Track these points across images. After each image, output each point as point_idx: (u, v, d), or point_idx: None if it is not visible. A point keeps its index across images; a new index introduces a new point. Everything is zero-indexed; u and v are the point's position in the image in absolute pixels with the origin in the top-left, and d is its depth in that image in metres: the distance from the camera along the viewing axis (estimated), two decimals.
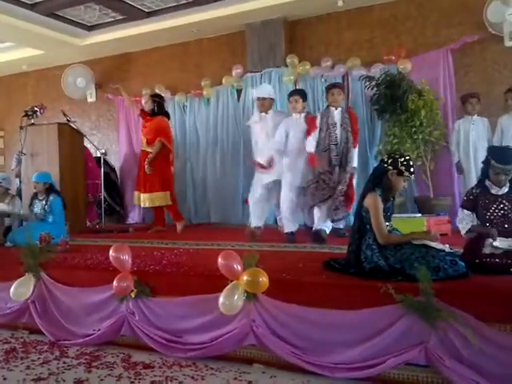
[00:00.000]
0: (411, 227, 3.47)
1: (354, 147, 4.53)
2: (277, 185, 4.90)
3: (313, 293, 2.92)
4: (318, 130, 4.55)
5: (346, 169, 4.43)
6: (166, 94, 6.93)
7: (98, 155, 6.60)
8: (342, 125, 4.52)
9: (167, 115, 5.99)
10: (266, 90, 5.08)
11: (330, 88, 4.67)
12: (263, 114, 5.00)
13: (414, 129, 4.85)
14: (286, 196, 4.66)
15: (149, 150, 5.77)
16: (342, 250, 3.65)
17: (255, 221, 4.89)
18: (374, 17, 5.90)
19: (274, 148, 4.74)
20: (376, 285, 2.72)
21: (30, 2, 6.00)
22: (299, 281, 3.02)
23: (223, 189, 6.42)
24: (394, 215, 3.22)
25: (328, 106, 4.63)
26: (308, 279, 3.03)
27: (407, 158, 3.03)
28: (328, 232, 4.45)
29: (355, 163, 4.53)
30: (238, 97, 6.49)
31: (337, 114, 4.54)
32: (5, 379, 2.96)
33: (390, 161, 3.01)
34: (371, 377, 2.63)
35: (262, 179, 4.93)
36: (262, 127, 5.01)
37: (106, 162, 6.63)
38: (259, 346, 2.96)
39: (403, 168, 2.97)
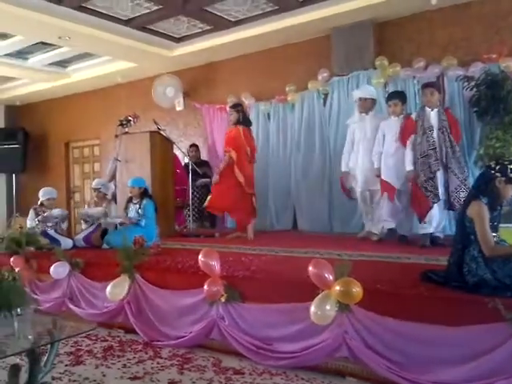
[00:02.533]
0: None
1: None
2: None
3: (410, 306, 2.79)
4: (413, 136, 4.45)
5: (459, 176, 4.25)
6: (250, 101, 7.01)
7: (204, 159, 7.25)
8: (439, 128, 4.32)
9: (247, 123, 5.85)
10: (367, 90, 5.12)
11: (423, 88, 4.57)
12: (363, 114, 5.02)
13: None
14: (385, 200, 4.71)
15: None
16: (439, 262, 3.43)
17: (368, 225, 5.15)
18: (472, 13, 5.52)
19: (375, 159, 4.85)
20: (481, 300, 2.56)
21: (124, 18, 6.33)
22: (395, 293, 2.89)
23: (309, 195, 6.34)
24: (500, 225, 2.97)
25: (423, 107, 4.49)
26: (405, 291, 2.88)
27: None
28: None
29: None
30: (324, 101, 6.39)
31: (433, 115, 4.37)
32: (104, 376, 3.11)
33: (498, 167, 2.82)
34: None
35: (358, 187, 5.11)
36: (360, 128, 5.03)
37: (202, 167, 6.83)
38: (352, 359, 2.86)
39: None
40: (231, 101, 7.22)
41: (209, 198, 5.74)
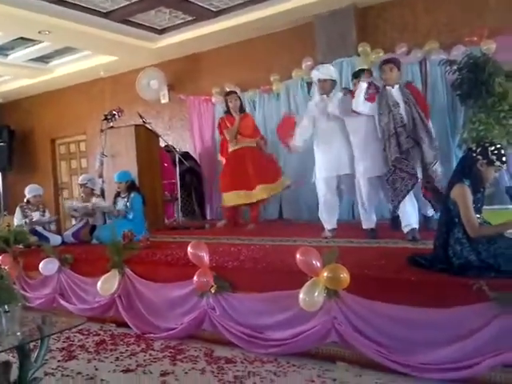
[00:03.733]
0: (503, 220, 3.23)
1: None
2: (346, 178, 4.58)
3: (397, 290, 2.82)
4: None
5: (431, 148, 3.92)
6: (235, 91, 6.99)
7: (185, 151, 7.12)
8: (405, 102, 4.00)
9: None
10: (326, 70, 4.71)
11: (381, 65, 4.22)
12: (324, 96, 4.63)
13: (502, 114, 4.51)
14: (362, 189, 4.32)
15: (251, 144, 5.76)
16: (426, 245, 3.48)
17: (326, 224, 4.59)
18: None
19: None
20: (467, 282, 2.60)
21: (104, 11, 6.25)
22: (382, 277, 2.93)
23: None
24: (484, 207, 3.02)
25: (384, 86, 4.14)
26: (392, 276, 2.92)
27: (498, 146, 2.86)
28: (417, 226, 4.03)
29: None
30: (309, 89, 6.39)
31: (395, 91, 4.07)
32: (97, 369, 3.12)
33: (479, 150, 2.85)
34: (464, 378, 2.49)
35: (322, 173, 4.59)
36: (322, 110, 4.64)
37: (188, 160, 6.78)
38: (342, 344, 2.90)
39: (494, 157, 2.81)
40: (216, 92, 7.20)
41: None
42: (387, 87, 4.12)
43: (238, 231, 5.43)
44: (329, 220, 4.59)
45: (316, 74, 4.72)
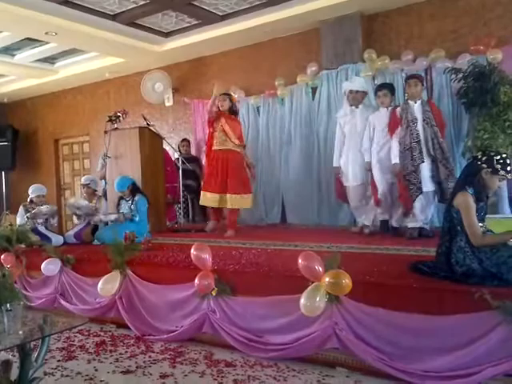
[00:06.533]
0: (506, 229, 3.22)
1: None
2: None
3: (399, 297, 2.82)
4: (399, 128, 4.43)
5: (447, 166, 4.29)
6: (240, 95, 7.00)
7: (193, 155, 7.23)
8: (424, 119, 4.34)
9: None
10: (358, 82, 5.01)
11: (407, 79, 4.56)
12: (353, 107, 4.93)
13: (507, 123, 4.51)
14: (379, 193, 4.66)
15: (236, 149, 5.50)
16: (428, 253, 3.48)
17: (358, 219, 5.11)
18: (460, 5, 5.55)
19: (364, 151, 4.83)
20: (469, 289, 2.60)
21: (111, 13, 6.28)
22: (384, 284, 2.92)
23: (298, 189, 6.35)
24: (487, 216, 3.01)
25: (406, 100, 4.49)
26: (394, 282, 2.92)
27: (504, 155, 2.87)
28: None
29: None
30: (313, 95, 6.40)
31: (417, 107, 4.39)
32: (96, 370, 3.12)
33: (484, 158, 2.86)
34: None
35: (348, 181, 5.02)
36: (350, 121, 4.92)
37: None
38: (342, 350, 2.89)
39: (499, 167, 2.83)
40: (221, 95, 7.20)
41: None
42: (410, 101, 4.43)
43: (240, 235, 5.42)
44: (359, 219, 5.08)
45: (348, 85, 5.03)
